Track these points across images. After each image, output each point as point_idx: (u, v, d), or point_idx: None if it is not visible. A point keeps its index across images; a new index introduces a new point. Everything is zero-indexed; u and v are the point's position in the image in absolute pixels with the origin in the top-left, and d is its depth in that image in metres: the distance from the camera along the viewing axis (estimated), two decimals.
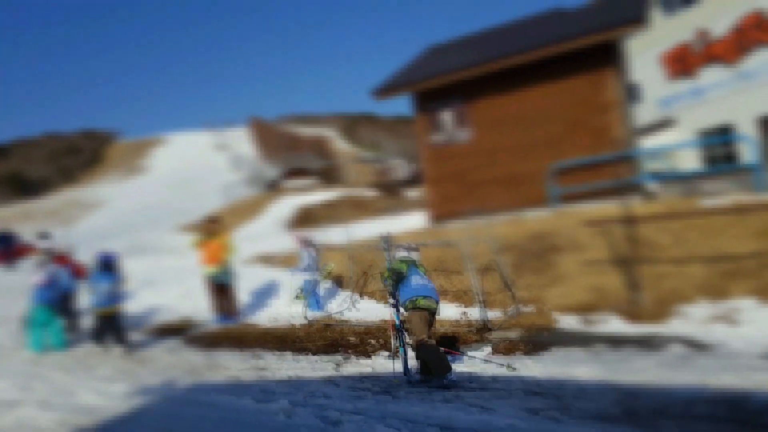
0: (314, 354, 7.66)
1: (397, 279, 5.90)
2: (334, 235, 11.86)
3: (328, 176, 46.26)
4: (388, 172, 41.52)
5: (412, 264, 6.03)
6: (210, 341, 8.85)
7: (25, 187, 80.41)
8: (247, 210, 26.67)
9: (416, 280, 5.86)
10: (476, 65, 12.48)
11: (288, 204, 25.98)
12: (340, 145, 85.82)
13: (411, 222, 14.63)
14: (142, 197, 74.31)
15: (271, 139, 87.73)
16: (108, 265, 8.42)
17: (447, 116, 13.09)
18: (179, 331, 9.86)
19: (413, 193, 28.51)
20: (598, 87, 11.59)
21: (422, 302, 5.70)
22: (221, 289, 10.04)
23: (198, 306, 11.05)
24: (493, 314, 8.13)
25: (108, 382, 6.62)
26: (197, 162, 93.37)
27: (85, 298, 9.61)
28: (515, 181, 12.14)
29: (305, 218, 24.53)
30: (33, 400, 5.94)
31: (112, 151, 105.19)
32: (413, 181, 30.61)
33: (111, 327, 8.24)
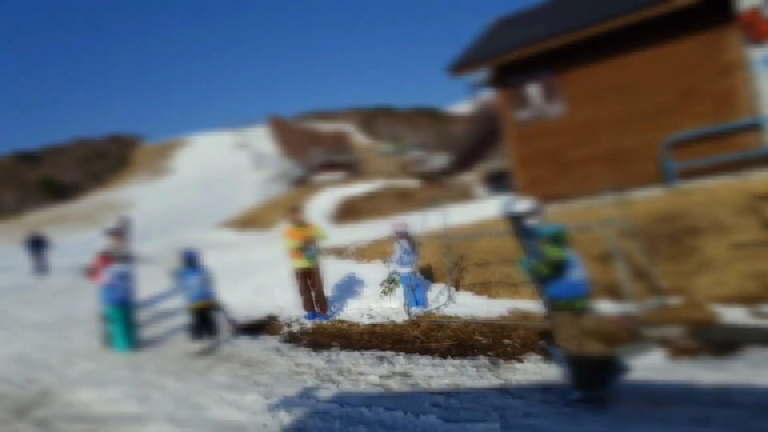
0: (443, 357, 6.18)
1: (554, 271, 4.31)
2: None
3: (355, 169, 44.56)
4: (422, 163, 39.74)
5: (562, 245, 4.41)
6: (313, 340, 7.31)
7: (58, 192, 79.60)
8: (287, 205, 25.05)
9: (575, 274, 4.36)
10: (568, 32, 10.67)
11: (328, 197, 24.39)
12: (359, 138, 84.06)
13: (486, 211, 12.86)
14: (170, 198, 73.34)
15: (291, 135, 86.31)
16: (192, 261, 7.88)
17: (533, 90, 11.34)
18: (262, 328, 8.33)
19: (454, 183, 26.78)
20: (717, 47, 9.78)
21: (580, 304, 4.38)
22: (311, 282, 8.50)
23: (277, 302, 9.61)
24: (630, 307, 6.67)
25: (234, 391, 5.17)
26: (220, 161, 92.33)
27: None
28: (619, 158, 10.41)
29: (348, 211, 22.92)
30: (160, 415, 4.71)
31: (138, 154, 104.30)
32: (451, 170, 28.81)
33: (206, 321, 7.70)
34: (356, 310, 8.75)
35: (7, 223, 69.90)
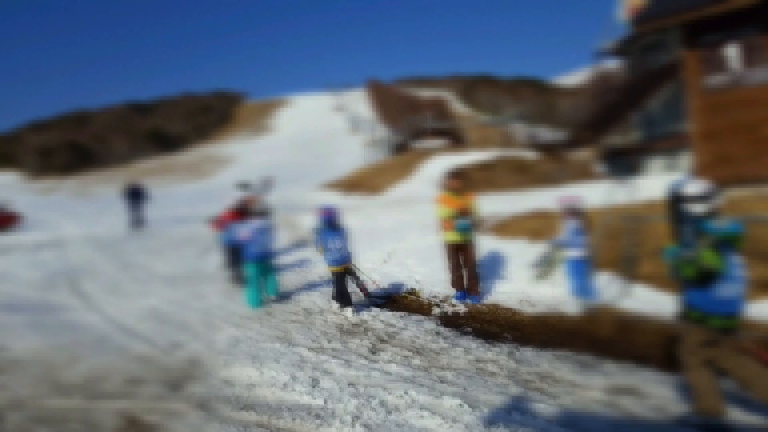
0: (660, 368, 4.71)
1: (701, 279, 3.45)
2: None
3: (458, 138, 42.87)
4: (532, 137, 37.49)
5: (729, 250, 3.47)
6: (479, 328, 6.20)
7: (165, 143, 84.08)
8: (394, 170, 24.16)
9: (729, 289, 3.46)
10: None
11: (438, 164, 23.11)
12: (458, 107, 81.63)
13: (648, 189, 11.14)
14: (269, 155, 75.20)
15: (389, 101, 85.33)
16: (333, 221, 7.07)
17: (732, 51, 9.42)
18: (399, 302, 7.39)
19: (572, 159, 24.69)
20: None
21: (719, 323, 3.50)
22: (463, 259, 7.45)
23: (412, 275, 8.63)
24: None
25: (421, 389, 4.10)
26: (318, 123, 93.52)
27: None
28: None
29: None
30: (345, 414, 3.82)
31: (241, 110, 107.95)
32: (567, 144, 26.57)
33: (343, 286, 6.93)
34: (507, 294, 7.64)
35: (119, 171, 74.96)
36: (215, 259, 10.30)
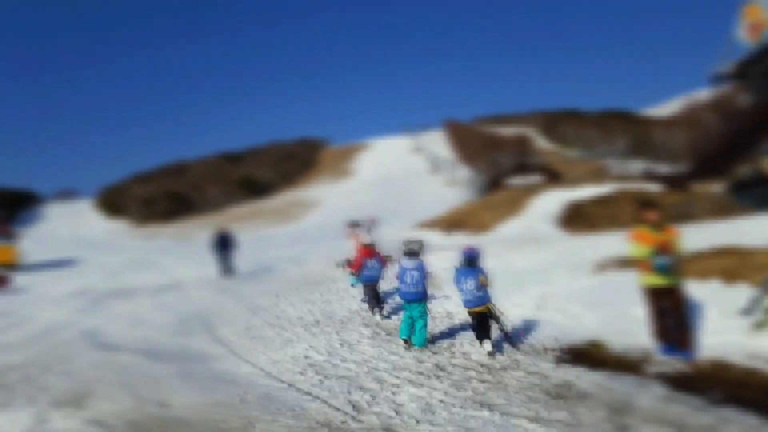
0: None
1: None
2: None
3: (551, 173, 41.00)
4: (652, 168, 35.23)
5: None
6: (731, 394, 4.82)
7: (255, 189, 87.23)
8: (499, 207, 22.90)
9: None
10: None
11: (550, 200, 21.67)
12: (542, 143, 79.30)
13: None
14: (352, 198, 76.07)
15: (468, 140, 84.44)
16: (473, 260, 6.70)
17: None
18: (584, 358, 6.11)
19: (702, 191, 22.43)
20: None
21: None
22: (669, 306, 6.15)
23: (583, 322, 7.35)
24: None
25: None
26: (397, 165, 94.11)
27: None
28: None
29: (577, 216, 20.01)
30: None
31: (324, 156, 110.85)
32: (693, 175, 24.28)
33: (484, 327, 6.50)
34: (723, 348, 6.23)
35: (213, 216, 78.29)
36: (348, 302, 9.52)
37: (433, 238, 22.91)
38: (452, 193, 67.23)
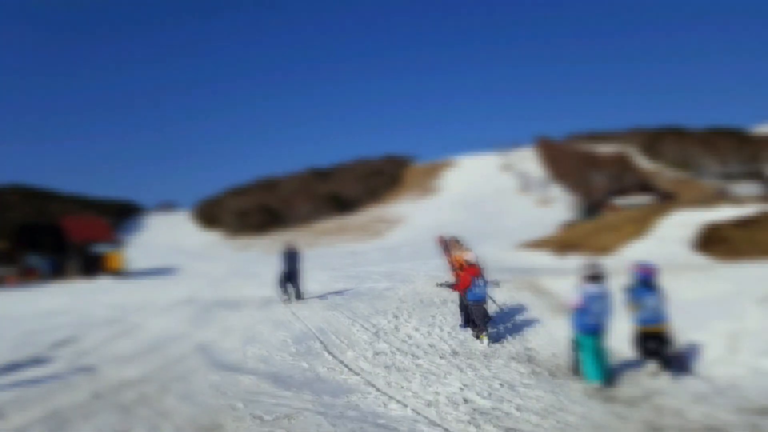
0: None
1: None
2: None
3: (664, 194, 37.64)
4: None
5: None
6: None
7: (342, 204, 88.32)
8: (621, 228, 20.74)
9: None
10: None
11: (682, 221, 19.29)
12: (642, 162, 74.36)
13: None
14: (438, 215, 74.84)
15: (561, 158, 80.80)
16: (648, 279, 6.28)
17: None
18: None
19: None
20: None
21: None
22: None
23: None
24: None
25: None
26: (485, 183, 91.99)
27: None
28: None
29: (714, 240, 17.56)
30: None
31: (409, 173, 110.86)
32: None
33: (657, 347, 6.07)
34: None
35: (302, 230, 79.71)
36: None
37: (543, 260, 21.11)
38: (546, 213, 64.23)
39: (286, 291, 12.95)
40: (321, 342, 8.21)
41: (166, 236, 78.26)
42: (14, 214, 62.89)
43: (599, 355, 5.86)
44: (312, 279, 19.17)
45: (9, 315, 14.33)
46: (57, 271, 29.92)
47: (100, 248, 31.16)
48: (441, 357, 7.08)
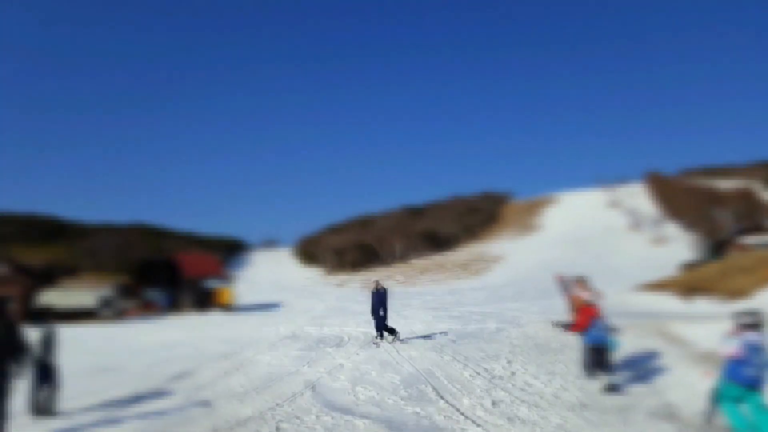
0: None
1: None
2: None
3: None
4: None
5: None
6: None
7: (437, 242, 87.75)
8: (760, 269, 18.58)
9: None
10: None
11: None
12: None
13: None
14: (540, 254, 71.89)
15: (676, 194, 75.32)
16: None
17: None
18: None
19: None
20: None
21: None
22: None
23: None
24: None
25: None
26: (590, 220, 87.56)
27: None
28: None
29: None
30: None
31: (507, 210, 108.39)
32: None
33: None
34: None
35: (398, 267, 79.92)
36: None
37: (667, 303, 19.36)
38: (661, 253, 59.62)
39: (378, 331, 12.54)
40: (432, 386, 7.83)
41: (270, 272, 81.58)
42: (135, 251, 68.68)
43: (761, 411, 5.01)
44: (414, 318, 18.90)
45: (132, 347, 15.32)
46: (172, 305, 31.94)
47: (212, 283, 32.93)
48: (569, 409, 6.43)
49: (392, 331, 12.57)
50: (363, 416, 6.41)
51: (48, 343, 7.14)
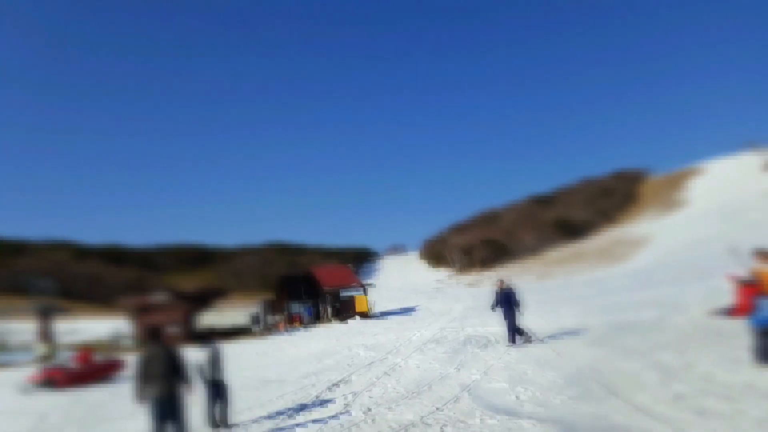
0: None
1: None
2: None
3: None
4: None
5: None
6: None
7: (570, 230, 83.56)
8: None
9: None
10: None
11: None
12: None
13: None
14: (688, 230, 65.68)
15: None
16: None
17: None
18: None
19: None
20: None
21: None
22: None
23: None
24: None
25: None
26: (742, 188, 78.34)
27: None
28: None
29: None
30: None
31: (645, 187, 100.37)
32: None
33: None
34: None
35: (531, 261, 77.32)
36: None
37: None
38: None
39: (510, 332, 12.06)
40: (599, 383, 7.34)
41: (400, 277, 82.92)
42: (273, 268, 73.55)
43: None
44: (558, 313, 18.10)
45: (286, 359, 16.27)
46: (315, 316, 33.62)
47: (348, 293, 34.18)
48: None
49: (521, 333, 12.05)
50: (530, 417, 6.16)
51: (215, 361, 7.71)
